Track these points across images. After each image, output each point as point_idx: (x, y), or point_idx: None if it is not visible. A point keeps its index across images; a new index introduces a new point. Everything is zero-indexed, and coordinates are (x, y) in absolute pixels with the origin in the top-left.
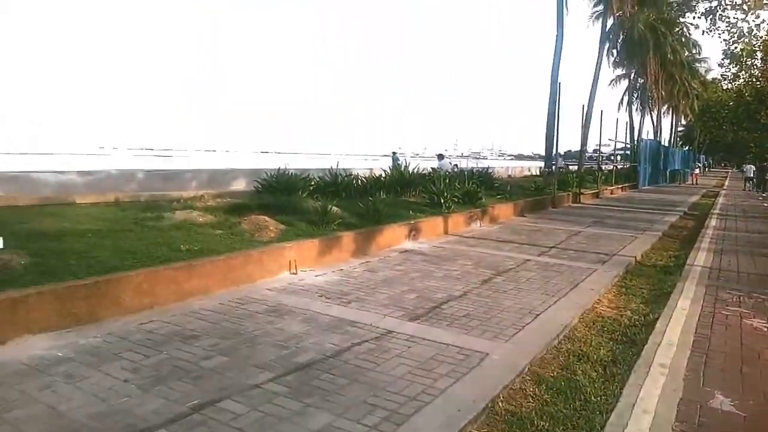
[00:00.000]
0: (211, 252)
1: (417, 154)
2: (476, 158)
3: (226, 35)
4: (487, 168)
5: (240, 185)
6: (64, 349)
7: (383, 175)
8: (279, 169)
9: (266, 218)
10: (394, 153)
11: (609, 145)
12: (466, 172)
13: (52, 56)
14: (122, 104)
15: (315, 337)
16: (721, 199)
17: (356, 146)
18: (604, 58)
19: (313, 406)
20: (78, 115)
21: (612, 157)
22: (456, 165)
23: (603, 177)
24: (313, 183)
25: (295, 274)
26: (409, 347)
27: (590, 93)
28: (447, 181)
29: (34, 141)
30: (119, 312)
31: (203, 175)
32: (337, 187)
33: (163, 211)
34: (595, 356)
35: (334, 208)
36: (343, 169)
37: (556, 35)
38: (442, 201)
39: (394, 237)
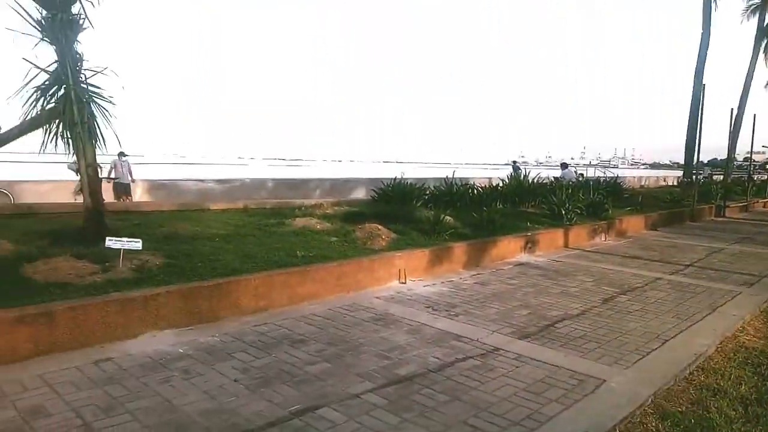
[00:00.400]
0: (324, 258)
1: (540, 163)
2: (605, 167)
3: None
4: (615, 177)
5: (359, 193)
6: (185, 346)
7: (501, 184)
8: (395, 178)
9: (379, 227)
10: (514, 162)
11: (764, 153)
12: (591, 182)
13: (194, 81)
14: (260, 118)
15: (419, 349)
16: None
17: (476, 155)
18: (761, 55)
19: (410, 421)
20: (221, 129)
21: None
22: (581, 174)
23: (754, 188)
24: (427, 192)
25: (404, 283)
26: (516, 367)
27: (741, 95)
28: (569, 191)
29: (183, 152)
30: (237, 312)
31: (326, 183)
32: (452, 196)
33: (284, 217)
34: (734, 392)
35: (447, 218)
36: (460, 178)
37: (702, 33)
38: (563, 212)
39: (508, 249)
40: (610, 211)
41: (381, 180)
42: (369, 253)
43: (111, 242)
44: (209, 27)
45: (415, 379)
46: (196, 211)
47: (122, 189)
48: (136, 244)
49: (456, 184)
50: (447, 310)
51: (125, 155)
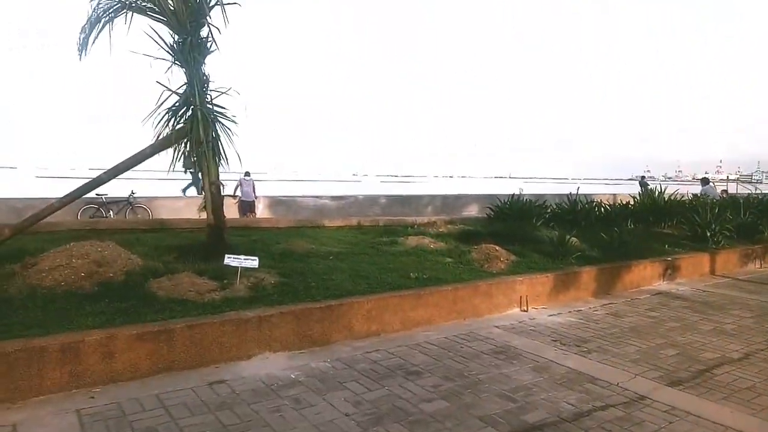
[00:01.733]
0: (439, 281)
1: (669, 178)
2: (748, 182)
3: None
4: None
5: (472, 210)
6: (296, 371)
7: (631, 202)
8: (513, 195)
9: (497, 247)
10: (642, 177)
11: None
12: (741, 200)
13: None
14: (373, 135)
15: (548, 391)
16: None
17: (593, 171)
18: None
19: None
20: (336, 146)
21: None
22: (725, 191)
23: None
24: (548, 210)
25: (526, 311)
26: (670, 422)
27: None
28: (715, 209)
29: (300, 169)
30: (349, 336)
31: (437, 200)
32: (575, 214)
33: (397, 235)
34: None
35: (573, 239)
36: (583, 195)
37: None
38: (709, 234)
39: (644, 275)
40: (766, 234)
41: (494, 196)
42: (486, 277)
43: (229, 260)
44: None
45: (546, 429)
46: (312, 228)
47: (247, 206)
48: (253, 263)
49: (580, 201)
50: (577, 346)
51: (249, 175)
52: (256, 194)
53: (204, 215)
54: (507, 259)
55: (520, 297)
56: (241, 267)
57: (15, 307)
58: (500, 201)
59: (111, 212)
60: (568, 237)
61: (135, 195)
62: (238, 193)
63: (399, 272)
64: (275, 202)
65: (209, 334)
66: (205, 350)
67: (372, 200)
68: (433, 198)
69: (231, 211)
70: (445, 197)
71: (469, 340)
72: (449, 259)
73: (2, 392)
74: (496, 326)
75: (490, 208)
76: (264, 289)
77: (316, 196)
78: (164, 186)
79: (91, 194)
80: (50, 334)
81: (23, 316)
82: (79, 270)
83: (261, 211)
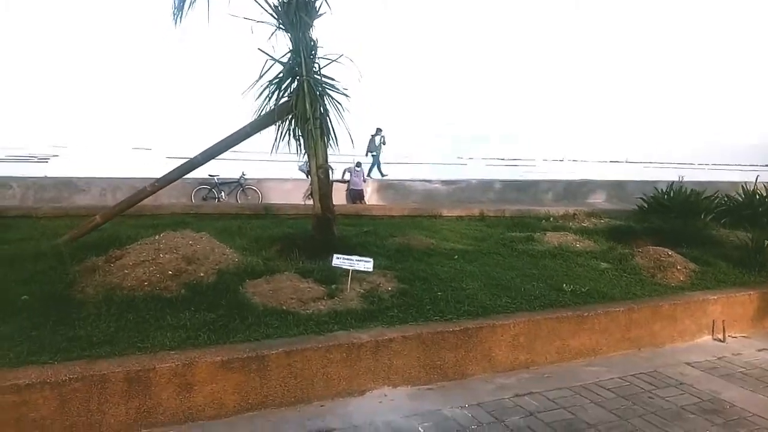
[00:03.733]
0: (602, 296)
1: None
2: None
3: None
4: None
5: (598, 198)
6: (425, 422)
7: None
8: (672, 183)
9: (669, 252)
10: None
11: None
12: None
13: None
14: (478, 117)
15: None
16: None
17: (714, 155)
18: None
19: None
20: (440, 128)
21: None
22: None
23: None
24: (718, 203)
25: (722, 341)
26: None
27: None
28: None
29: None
30: (489, 368)
31: (558, 186)
32: (754, 209)
33: (531, 230)
34: None
35: None
36: (764, 183)
37: None
38: None
39: None
40: None
41: (622, 183)
42: (663, 291)
43: (338, 261)
44: None
45: None
46: (428, 218)
47: (356, 194)
48: (367, 265)
49: (759, 193)
50: None
51: (360, 165)
52: (366, 181)
53: (311, 202)
54: (685, 268)
55: (713, 322)
56: (353, 270)
57: (86, 314)
58: (658, 190)
59: (223, 193)
60: (767, 241)
61: (246, 176)
62: (347, 177)
63: (546, 281)
64: (384, 186)
65: (313, 363)
66: (307, 383)
67: (485, 185)
68: (553, 184)
69: (338, 196)
70: (568, 183)
71: (657, 385)
72: (605, 265)
73: None
74: (688, 363)
75: (643, 199)
76: (380, 299)
77: (426, 180)
78: (274, 167)
79: (204, 175)
80: (117, 356)
81: (93, 328)
82: (166, 267)
83: (369, 194)
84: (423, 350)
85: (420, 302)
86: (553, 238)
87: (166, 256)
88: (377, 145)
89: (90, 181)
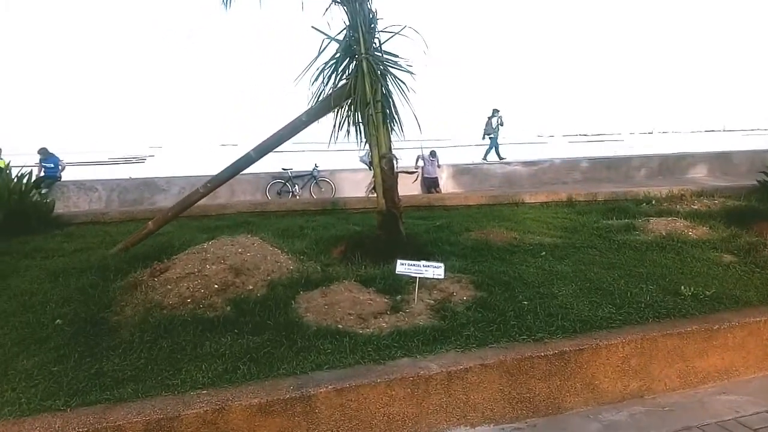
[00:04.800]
0: (732, 301)
1: None
2: None
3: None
4: None
5: (699, 173)
6: None
7: None
8: None
9: None
10: None
11: None
12: None
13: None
14: (556, 92)
15: None
16: None
17: None
18: None
19: None
20: (521, 105)
21: None
22: None
23: None
24: None
25: None
26: None
27: None
28: None
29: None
30: (592, 400)
31: (652, 161)
32: None
33: (630, 215)
34: None
35: None
36: None
37: None
38: None
39: None
40: None
41: (725, 154)
42: None
43: (403, 267)
44: None
45: None
46: (509, 206)
47: (431, 182)
48: (437, 271)
49: None
50: None
51: (435, 155)
52: (440, 165)
53: (374, 196)
54: None
55: None
56: (420, 278)
57: (118, 342)
58: None
59: (297, 187)
60: None
61: (319, 169)
62: (420, 164)
63: (657, 282)
64: (459, 171)
65: (371, 402)
66: (365, 427)
67: (570, 165)
68: (646, 159)
69: (410, 187)
70: (663, 158)
71: None
72: (730, 258)
73: None
74: None
75: (765, 173)
76: (454, 313)
77: (505, 162)
78: (347, 157)
79: (278, 169)
80: (141, 398)
81: (121, 360)
82: (212, 280)
83: (444, 181)
84: (507, 380)
85: (502, 316)
86: (659, 226)
87: (213, 267)
88: (494, 127)
89: (170, 181)
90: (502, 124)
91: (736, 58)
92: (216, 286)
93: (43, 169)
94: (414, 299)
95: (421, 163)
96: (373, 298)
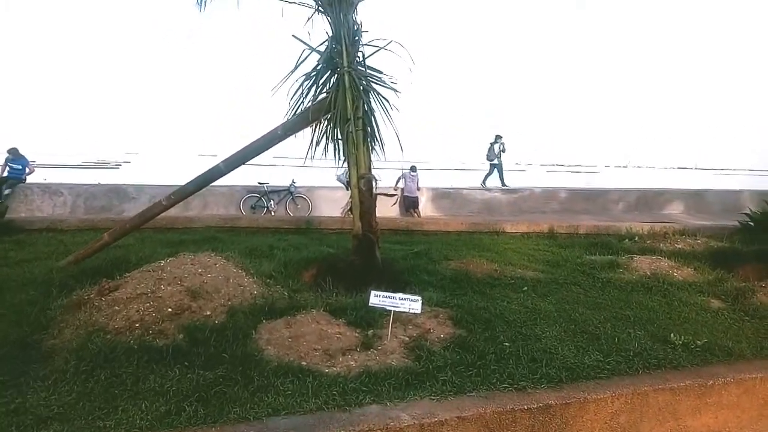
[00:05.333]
0: (724, 352)
1: None
2: None
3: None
4: None
5: (675, 209)
6: None
7: None
8: None
9: None
10: None
11: None
12: None
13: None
14: (534, 123)
15: None
16: None
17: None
18: None
19: None
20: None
21: None
22: None
23: None
24: None
25: None
26: None
27: None
28: None
29: (464, 158)
30: None
31: (630, 196)
32: None
33: (613, 251)
34: None
35: None
36: None
37: None
38: None
39: None
40: None
41: (700, 193)
42: None
43: (377, 299)
44: None
45: None
46: (489, 234)
47: (410, 203)
48: (414, 305)
49: None
50: None
51: (416, 170)
52: (419, 188)
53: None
54: None
55: None
56: (395, 311)
57: (50, 371)
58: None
59: (272, 202)
60: None
61: (296, 184)
62: (401, 185)
63: (645, 327)
64: (438, 195)
65: None
66: None
67: (549, 194)
68: (624, 193)
69: (389, 209)
70: (641, 193)
71: None
72: (718, 303)
73: None
74: None
75: (747, 215)
76: (430, 352)
77: (485, 188)
78: (326, 174)
79: (254, 183)
80: None
81: (49, 393)
82: (166, 303)
83: (423, 204)
84: None
85: (482, 359)
86: (643, 264)
87: (168, 288)
88: (497, 153)
89: (140, 189)
90: (504, 151)
91: (710, 99)
92: (170, 309)
93: (8, 169)
94: (387, 335)
95: (401, 183)
96: (342, 332)
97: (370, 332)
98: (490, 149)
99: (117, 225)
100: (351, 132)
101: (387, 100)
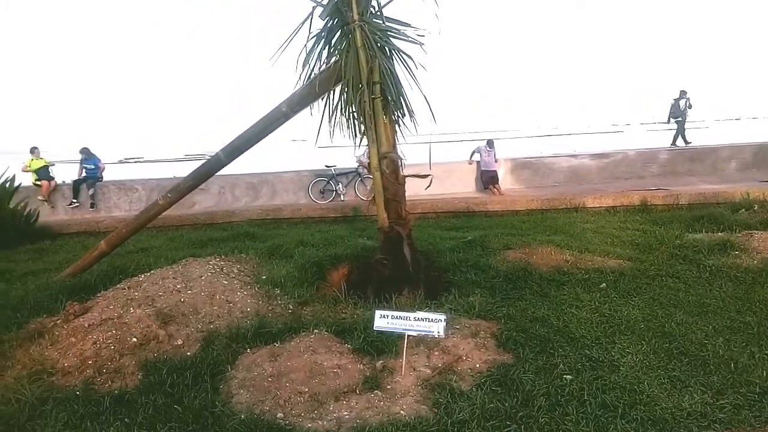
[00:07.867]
0: None
1: None
2: None
3: None
4: None
5: None
6: None
7: None
8: None
9: None
10: None
11: None
12: None
13: None
14: (632, 75)
15: None
16: None
17: None
18: None
19: None
20: (589, 95)
21: None
22: None
23: None
24: None
25: None
26: None
27: None
28: None
29: (558, 124)
30: None
31: (744, 151)
32: None
33: (725, 226)
34: None
35: None
36: None
37: None
38: None
39: None
40: None
41: None
42: None
43: (382, 322)
44: None
45: None
46: (565, 212)
47: (489, 178)
48: (435, 326)
49: None
50: None
51: (492, 145)
52: (496, 159)
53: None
54: None
55: None
56: (409, 335)
57: None
58: None
59: (341, 185)
60: None
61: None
62: (476, 158)
63: None
64: (519, 165)
65: None
66: None
67: (647, 157)
68: (737, 149)
69: (465, 182)
70: (758, 147)
71: None
72: None
73: None
74: None
75: None
76: (455, 394)
77: (572, 155)
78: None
79: (321, 166)
80: None
81: None
82: (131, 331)
83: (503, 177)
84: None
85: (528, 405)
86: (763, 243)
87: (137, 311)
88: (682, 109)
89: (213, 180)
90: (690, 107)
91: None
92: (134, 339)
93: (84, 170)
94: (402, 367)
95: (476, 157)
96: (342, 364)
97: (379, 363)
98: (673, 105)
99: (121, 226)
100: (366, 101)
101: (411, 58)
